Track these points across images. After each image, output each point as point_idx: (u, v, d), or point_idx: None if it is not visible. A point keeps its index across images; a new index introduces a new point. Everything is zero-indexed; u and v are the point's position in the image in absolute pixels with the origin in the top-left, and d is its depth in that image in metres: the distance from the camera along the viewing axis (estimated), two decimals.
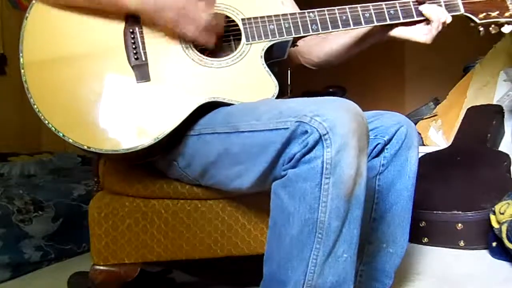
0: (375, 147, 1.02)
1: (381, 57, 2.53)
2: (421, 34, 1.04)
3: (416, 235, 1.67)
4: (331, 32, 1.01)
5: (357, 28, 1.04)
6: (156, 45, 0.95)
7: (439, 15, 1.02)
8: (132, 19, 0.95)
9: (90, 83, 0.92)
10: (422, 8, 1.03)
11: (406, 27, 1.05)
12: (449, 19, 1.04)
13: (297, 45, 1.16)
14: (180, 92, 0.94)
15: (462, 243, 1.61)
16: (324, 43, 1.22)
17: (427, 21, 1.04)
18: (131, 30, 0.95)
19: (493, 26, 1.08)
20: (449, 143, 2.14)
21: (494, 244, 1.51)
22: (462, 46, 2.62)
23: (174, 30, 0.94)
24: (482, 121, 2.07)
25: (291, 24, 0.99)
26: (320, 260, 0.76)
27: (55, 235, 1.59)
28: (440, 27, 1.03)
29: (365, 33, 1.13)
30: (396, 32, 1.06)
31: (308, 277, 0.76)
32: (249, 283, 1.06)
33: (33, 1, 0.95)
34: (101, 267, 1.04)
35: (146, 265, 1.15)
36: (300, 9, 1.02)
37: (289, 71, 1.20)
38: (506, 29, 1.07)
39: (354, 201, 0.77)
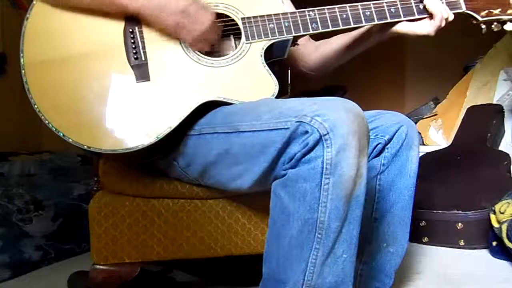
0: (375, 147, 1.02)
1: (381, 56, 2.53)
2: (424, 27, 1.04)
3: (417, 235, 1.67)
4: (331, 30, 1.01)
5: (358, 26, 1.03)
6: (155, 44, 0.95)
7: (442, 10, 1.02)
8: (132, 19, 0.95)
9: (90, 83, 0.92)
10: (426, 2, 1.03)
11: (408, 22, 1.05)
12: (451, 16, 1.03)
13: (297, 44, 1.16)
14: (180, 91, 0.93)
15: (462, 243, 1.61)
16: (324, 46, 1.22)
17: (429, 16, 1.03)
18: (130, 30, 0.95)
19: (495, 23, 1.08)
20: (449, 143, 2.14)
21: (494, 243, 1.51)
22: (462, 46, 2.62)
23: (172, 34, 0.94)
24: (482, 120, 2.06)
25: (291, 23, 0.99)
26: (320, 260, 0.76)
27: (55, 234, 1.59)
28: (443, 23, 1.02)
29: (365, 32, 1.12)
30: (398, 28, 1.06)
31: (307, 277, 0.76)
32: (249, 283, 1.05)
33: (34, 1, 0.95)
34: (101, 267, 1.04)
35: (146, 265, 1.15)
36: (301, 8, 1.02)
37: (289, 70, 1.20)
38: (508, 26, 1.07)
39: (354, 201, 0.77)
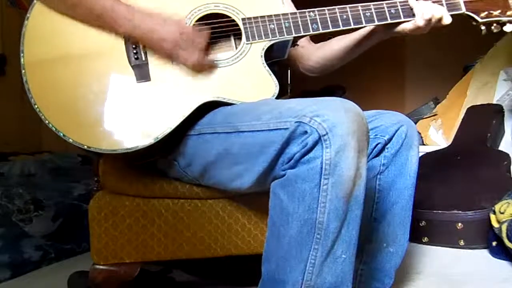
0: (375, 147, 1.02)
1: (381, 56, 2.53)
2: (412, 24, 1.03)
3: (416, 235, 1.67)
4: (331, 31, 1.01)
5: (358, 27, 1.04)
6: None
7: (424, 11, 1.01)
8: None
9: (90, 83, 0.92)
10: (409, 2, 1.02)
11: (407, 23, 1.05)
12: (448, 20, 1.03)
13: (297, 45, 1.16)
14: (180, 91, 0.94)
15: (462, 243, 1.61)
16: (325, 47, 1.22)
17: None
18: None
19: (494, 25, 1.08)
20: (449, 143, 2.14)
21: (494, 243, 1.51)
22: (462, 45, 2.61)
23: (168, 58, 0.94)
24: (482, 120, 2.06)
25: (291, 24, 0.99)
26: (319, 261, 0.76)
27: (55, 234, 1.59)
28: (433, 19, 1.02)
29: (366, 33, 1.12)
30: (399, 29, 1.06)
31: (307, 277, 0.76)
32: (249, 283, 1.05)
33: (34, 1, 0.95)
34: (101, 267, 1.05)
35: (146, 265, 1.15)
36: (301, 9, 1.02)
37: (289, 71, 1.20)
38: (508, 28, 1.07)
39: (353, 201, 0.77)
